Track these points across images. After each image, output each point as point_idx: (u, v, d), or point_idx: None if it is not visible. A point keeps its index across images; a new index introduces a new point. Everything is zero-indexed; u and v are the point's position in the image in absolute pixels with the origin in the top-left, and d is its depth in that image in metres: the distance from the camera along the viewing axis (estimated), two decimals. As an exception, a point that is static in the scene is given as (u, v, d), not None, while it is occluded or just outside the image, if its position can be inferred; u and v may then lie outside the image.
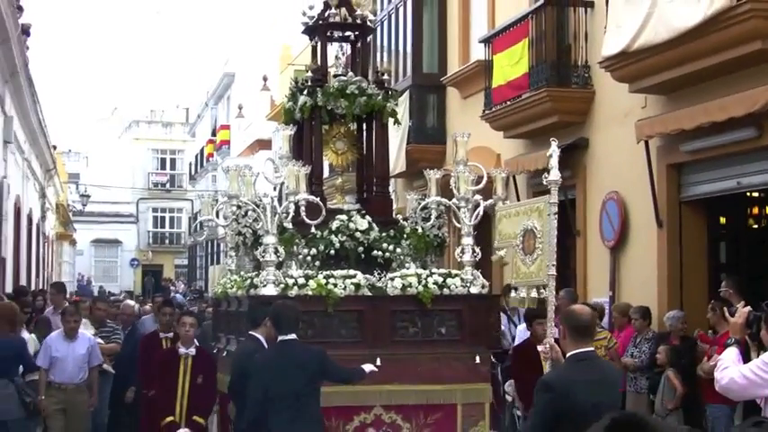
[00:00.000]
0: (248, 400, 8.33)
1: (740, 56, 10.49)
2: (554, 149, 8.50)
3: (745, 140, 10.95)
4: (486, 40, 16.11)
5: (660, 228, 12.50)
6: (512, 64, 14.94)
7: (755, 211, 13.75)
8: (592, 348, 6.28)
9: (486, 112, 15.74)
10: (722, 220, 13.18)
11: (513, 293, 9.29)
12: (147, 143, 63.47)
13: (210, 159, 50.98)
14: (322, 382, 8.16)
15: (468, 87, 17.92)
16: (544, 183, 8.53)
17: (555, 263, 8.33)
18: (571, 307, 6.83)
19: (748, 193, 12.72)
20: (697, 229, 12.56)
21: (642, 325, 11.72)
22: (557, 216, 8.44)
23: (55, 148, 36.00)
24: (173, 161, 63.96)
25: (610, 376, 6.47)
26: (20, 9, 18.35)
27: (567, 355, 6.30)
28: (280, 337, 8.17)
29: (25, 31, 19.59)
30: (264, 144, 37.54)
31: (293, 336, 8.11)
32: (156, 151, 63.79)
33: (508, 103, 15.00)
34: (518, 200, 10.51)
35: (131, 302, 15.07)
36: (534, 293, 8.62)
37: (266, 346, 8.50)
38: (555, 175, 8.41)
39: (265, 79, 39.12)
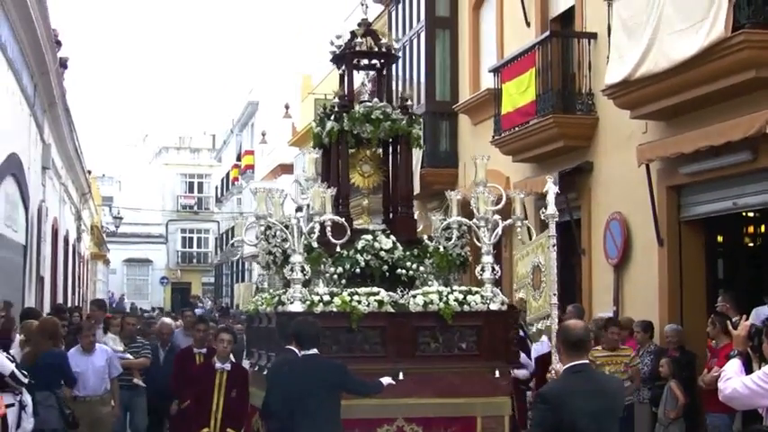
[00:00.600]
0: (272, 411, 8.30)
1: (735, 84, 10.50)
2: (550, 186, 8.43)
3: (741, 163, 10.94)
4: (496, 70, 16.15)
5: (661, 246, 12.49)
6: (520, 92, 14.97)
7: (751, 230, 13.70)
8: (587, 361, 6.12)
9: (496, 137, 15.76)
10: (719, 238, 13.12)
11: (532, 328, 9.18)
12: (175, 168, 63.67)
13: (236, 183, 51.06)
14: (342, 394, 8.09)
15: (478, 114, 17.96)
16: (542, 217, 8.51)
17: (557, 292, 8.27)
18: (565, 323, 6.72)
19: (744, 213, 12.69)
20: (696, 248, 12.53)
21: (644, 338, 11.67)
22: (556, 248, 8.45)
23: (90, 172, 36.20)
24: (200, 185, 64.12)
25: (608, 386, 6.30)
26: (58, 44, 18.50)
27: (563, 368, 6.13)
28: (302, 352, 8.13)
29: (63, 64, 19.75)
30: (286, 168, 37.63)
31: (315, 350, 8.09)
32: (185, 175, 64.00)
33: (516, 129, 15.00)
34: (525, 218, 10.39)
35: (168, 320, 14.44)
36: (540, 324, 8.64)
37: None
38: (552, 209, 8.39)
39: (287, 107, 39.17)
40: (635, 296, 13.10)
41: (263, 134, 43.59)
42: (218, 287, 56.67)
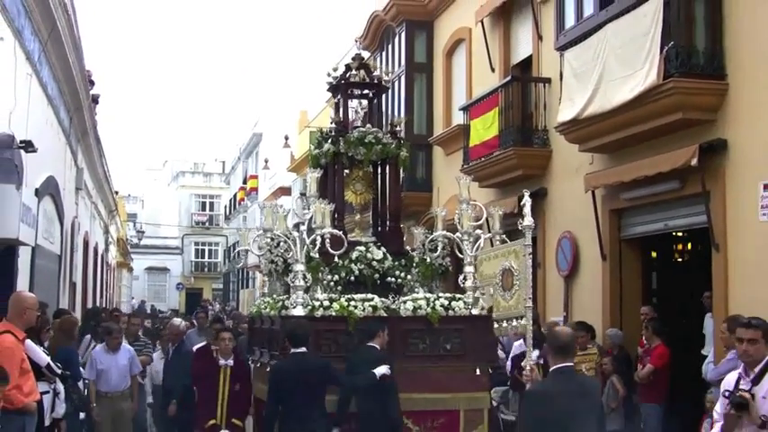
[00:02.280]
0: (266, 402, 8.19)
1: (666, 123, 10.54)
2: (527, 199, 8.11)
3: (671, 191, 10.97)
4: (465, 108, 16.17)
5: (604, 260, 12.52)
6: (485, 128, 14.97)
7: (680, 247, 13.75)
8: (571, 364, 5.93)
9: (465, 166, 15.71)
10: (654, 254, 13.11)
11: (495, 325, 8.66)
12: (190, 189, 63.52)
13: (242, 203, 50.94)
14: (328, 387, 7.98)
15: (450, 146, 17.96)
16: (519, 228, 8.11)
17: (531, 296, 7.95)
18: (554, 329, 6.56)
19: (674, 233, 12.75)
20: (634, 262, 12.55)
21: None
22: (531, 255, 8.12)
23: (117, 193, 36.14)
24: (211, 204, 63.93)
25: (588, 387, 6.14)
26: (91, 83, 18.52)
27: (550, 369, 5.98)
28: (293, 350, 7.99)
29: (95, 100, 19.79)
30: (285, 191, 37.64)
31: (304, 349, 7.98)
32: (198, 196, 63.84)
33: (482, 159, 14.99)
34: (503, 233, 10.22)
35: (177, 321, 13.55)
36: (514, 323, 8.19)
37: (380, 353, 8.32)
38: (528, 220, 8.04)
39: (286, 138, 39.21)
40: (582, 303, 13.11)
41: (266, 161, 43.62)
42: (225, 292, 56.47)
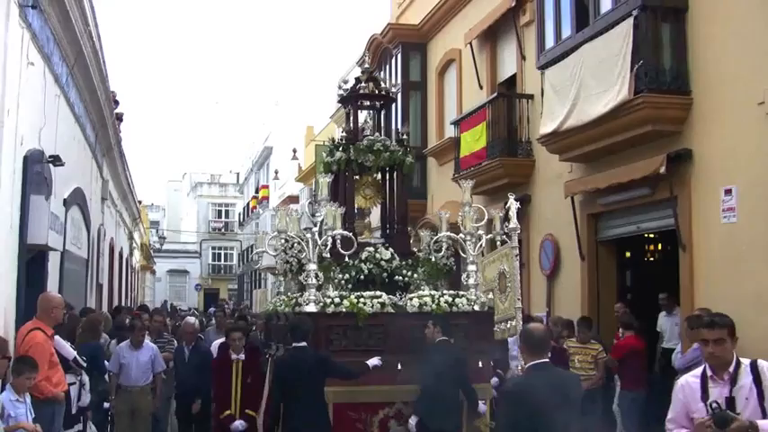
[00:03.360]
0: (271, 393, 8.08)
1: (637, 135, 10.57)
2: (512, 202, 7.93)
3: (643, 197, 11.01)
4: (456, 123, 16.21)
5: (583, 260, 12.55)
6: (474, 140, 15.03)
7: (651, 248, 13.77)
8: (547, 360, 5.43)
9: (456, 175, 15.73)
10: (627, 254, 13.14)
11: (495, 327, 8.35)
12: (207, 199, 63.49)
13: (254, 211, 50.97)
14: (326, 378, 7.81)
15: (442, 157, 18.01)
16: (505, 230, 7.99)
17: (521, 297, 7.77)
18: (527, 326, 6.02)
19: (645, 235, 12.76)
20: (609, 262, 12.59)
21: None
22: (518, 257, 7.95)
23: (140, 202, 36.17)
24: (226, 212, 63.86)
25: (567, 380, 5.70)
26: (116, 103, 18.54)
27: (526, 366, 5.50)
28: (294, 344, 7.87)
29: (119, 118, 19.79)
30: (294, 199, 37.60)
31: (304, 343, 7.82)
32: (215, 205, 63.78)
33: (472, 168, 14.98)
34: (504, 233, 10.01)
35: (192, 320, 12.44)
36: (507, 324, 7.95)
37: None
38: (514, 223, 7.92)
39: (294, 151, 39.25)
40: (563, 300, 13.13)
41: (276, 172, 43.62)
42: (240, 293, 56.41)
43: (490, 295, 8.72)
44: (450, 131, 17.28)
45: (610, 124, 10.79)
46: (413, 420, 8.11)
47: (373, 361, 8.17)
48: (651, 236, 13.07)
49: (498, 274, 8.17)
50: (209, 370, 10.13)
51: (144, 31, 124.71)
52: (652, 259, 13.78)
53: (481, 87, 16.28)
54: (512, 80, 15.43)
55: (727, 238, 9.46)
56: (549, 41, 12.60)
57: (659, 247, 13.59)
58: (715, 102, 9.79)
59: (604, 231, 12.46)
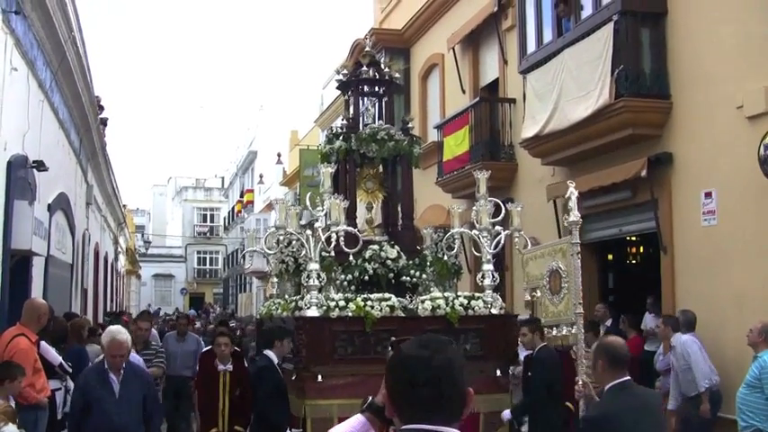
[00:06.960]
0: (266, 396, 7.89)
1: (618, 138, 10.61)
2: (572, 191, 6.91)
3: (624, 200, 11.04)
4: (439, 127, 16.21)
5: (565, 263, 12.54)
6: (457, 144, 15.03)
7: (633, 250, 13.81)
8: (629, 377, 4.65)
9: (439, 179, 15.78)
10: (610, 257, 13.19)
11: (554, 332, 7.27)
12: (192, 203, 63.22)
13: (239, 215, 50.80)
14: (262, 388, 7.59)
15: (426, 161, 17.67)
16: (565, 224, 7.08)
17: (581, 301, 6.68)
18: (605, 339, 5.10)
19: (627, 238, 12.77)
20: (592, 264, 12.50)
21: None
22: (579, 256, 6.87)
23: (125, 206, 36.01)
24: (211, 216, 63.62)
25: (651, 402, 4.79)
26: (101, 108, 18.46)
27: (608, 386, 4.65)
28: (264, 351, 7.80)
29: (103, 123, 19.71)
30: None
31: (268, 351, 7.74)
32: (200, 209, 63.51)
33: (455, 172, 15.03)
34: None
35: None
36: (564, 330, 7.01)
37: None
38: (575, 215, 6.78)
39: (279, 156, 39.19)
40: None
41: (261, 176, 43.55)
42: (225, 297, 56.23)
43: (537, 293, 7.63)
44: (433, 135, 17.26)
45: (591, 128, 10.81)
46: (506, 414, 7.85)
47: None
48: (633, 238, 13.08)
49: (549, 272, 7.25)
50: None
51: (129, 35, 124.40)
52: (634, 262, 13.82)
53: (464, 92, 16.30)
54: (494, 84, 15.45)
55: (707, 241, 9.50)
56: (531, 46, 12.64)
57: (641, 249, 13.61)
58: (694, 106, 9.83)
59: (586, 234, 12.35)
